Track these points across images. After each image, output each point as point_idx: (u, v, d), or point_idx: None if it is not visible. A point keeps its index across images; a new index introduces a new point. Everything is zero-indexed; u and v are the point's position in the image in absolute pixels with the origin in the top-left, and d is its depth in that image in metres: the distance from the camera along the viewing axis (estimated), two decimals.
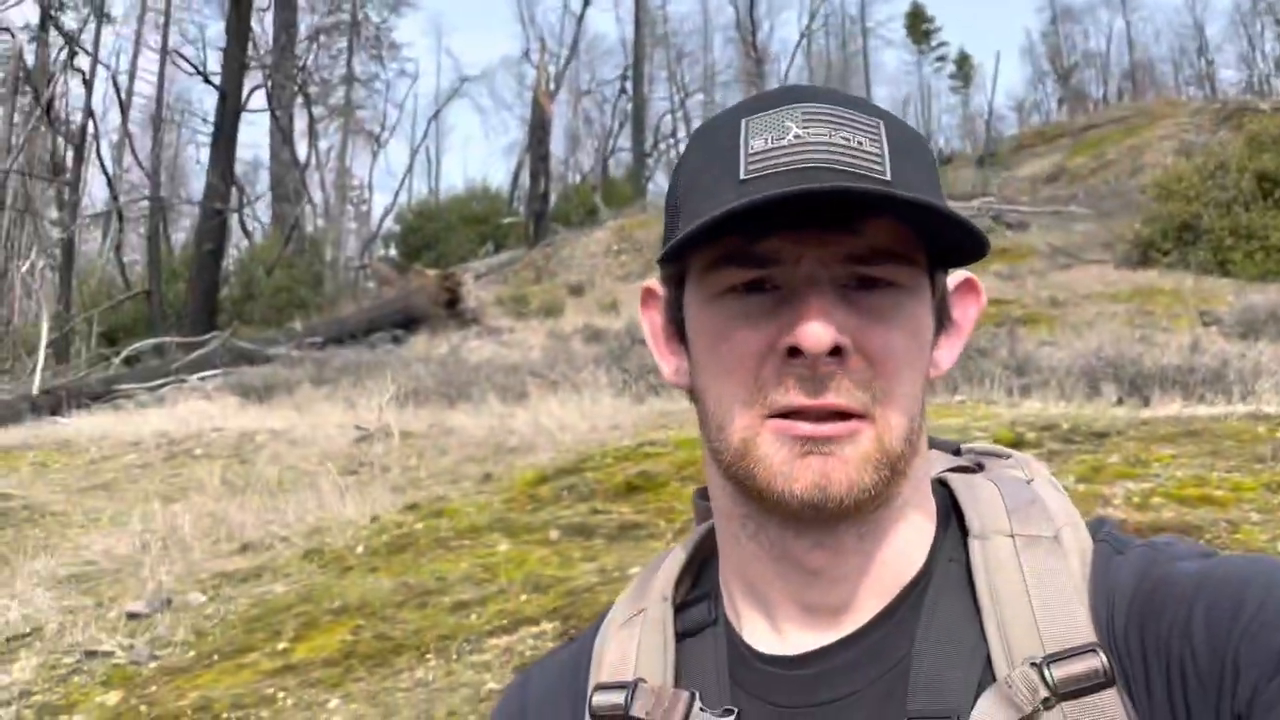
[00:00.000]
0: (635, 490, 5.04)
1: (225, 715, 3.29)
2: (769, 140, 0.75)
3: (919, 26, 63.80)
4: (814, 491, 0.74)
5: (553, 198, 36.58)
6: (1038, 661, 0.71)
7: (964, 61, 64.51)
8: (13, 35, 21.53)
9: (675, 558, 0.93)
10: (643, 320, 0.92)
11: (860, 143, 0.74)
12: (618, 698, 0.82)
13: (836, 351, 0.73)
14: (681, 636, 0.86)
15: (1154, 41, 65.38)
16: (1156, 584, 0.73)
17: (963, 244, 0.77)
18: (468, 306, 18.05)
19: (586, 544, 4.53)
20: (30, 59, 21.33)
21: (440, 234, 35.71)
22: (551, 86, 40.79)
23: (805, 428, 0.74)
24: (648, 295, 0.91)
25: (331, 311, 23.59)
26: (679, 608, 0.89)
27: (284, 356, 15.18)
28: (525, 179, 37.06)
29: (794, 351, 0.73)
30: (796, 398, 0.74)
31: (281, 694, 3.41)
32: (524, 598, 3.93)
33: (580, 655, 0.92)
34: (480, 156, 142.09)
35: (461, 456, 7.80)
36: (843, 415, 0.75)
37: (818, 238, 0.74)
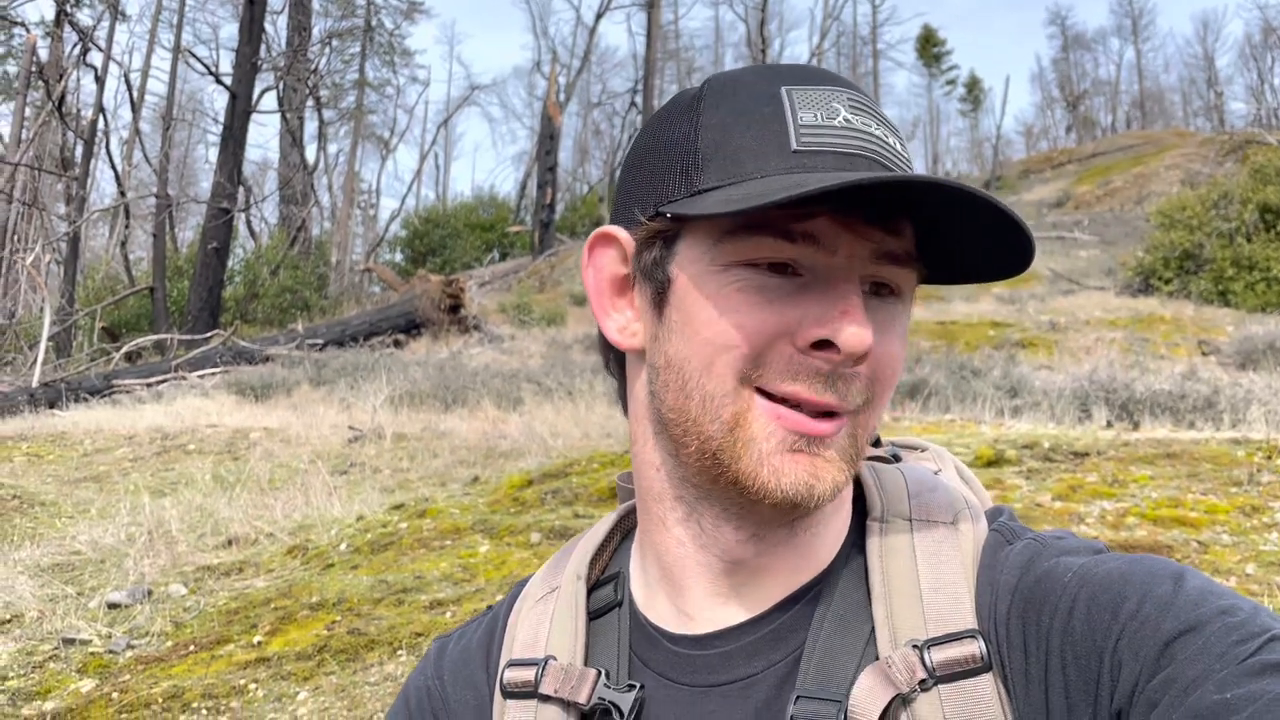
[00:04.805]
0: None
1: (196, 704, 3.29)
2: (819, 116, 0.73)
3: (929, 49, 64.07)
4: (800, 489, 0.72)
5: (559, 208, 36.78)
6: (919, 644, 0.72)
7: (973, 85, 64.85)
8: (27, 30, 21.66)
9: (593, 536, 0.94)
10: (587, 267, 0.85)
11: (893, 143, 0.74)
12: (528, 674, 0.84)
13: (863, 356, 0.71)
14: (593, 615, 0.88)
15: (1164, 71, 65.80)
16: (1040, 577, 0.73)
17: (978, 262, 0.76)
18: (470, 313, 18.08)
19: None
20: (43, 54, 21.44)
21: (446, 240, 35.85)
22: (562, 97, 40.99)
23: (804, 422, 0.72)
24: (603, 241, 0.84)
25: (335, 313, 23.68)
26: (592, 586, 0.90)
27: (284, 356, 15.21)
28: (533, 188, 37.27)
29: (820, 345, 0.71)
30: (803, 391, 0.72)
31: (252, 685, 3.41)
32: (499, 597, 3.93)
33: (495, 628, 0.93)
34: (488, 165, 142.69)
35: (452, 460, 7.82)
36: (832, 413, 0.74)
37: (860, 230, 0.72)
